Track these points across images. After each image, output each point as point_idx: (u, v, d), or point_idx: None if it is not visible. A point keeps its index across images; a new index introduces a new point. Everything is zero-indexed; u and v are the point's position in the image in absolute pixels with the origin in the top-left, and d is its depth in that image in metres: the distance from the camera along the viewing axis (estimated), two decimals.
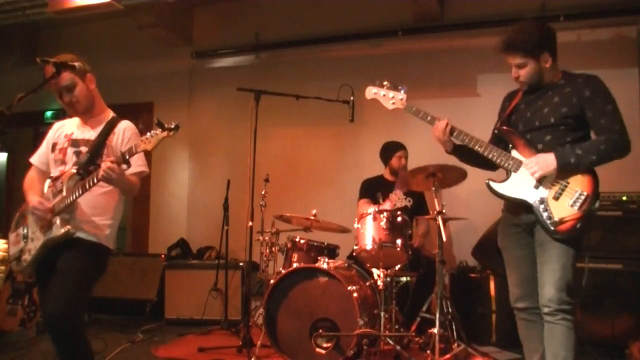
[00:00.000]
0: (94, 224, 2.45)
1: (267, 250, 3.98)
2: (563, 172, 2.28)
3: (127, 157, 2.26)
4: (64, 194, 2.37)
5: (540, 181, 2.32)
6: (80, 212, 2.42)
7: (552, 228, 2.25)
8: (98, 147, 2.48)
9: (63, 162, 2.51)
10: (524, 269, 2.43)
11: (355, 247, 3.53)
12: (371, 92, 2.69)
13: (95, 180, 2.27)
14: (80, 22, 5.95)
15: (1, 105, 2.20)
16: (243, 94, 3.82)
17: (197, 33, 5.85)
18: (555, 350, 2.26)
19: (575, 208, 2.24)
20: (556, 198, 2.29)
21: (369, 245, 3.39)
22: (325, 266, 3.35)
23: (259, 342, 3.51)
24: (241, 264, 4.74)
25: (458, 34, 4.82)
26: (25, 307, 4.20)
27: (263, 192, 4.08)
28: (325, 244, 3.82)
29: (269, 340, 3.35)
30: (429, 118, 2.54)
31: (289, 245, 3.81)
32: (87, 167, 2.39)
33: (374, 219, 3.45)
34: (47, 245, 2.39)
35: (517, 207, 2.43)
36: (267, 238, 3.99)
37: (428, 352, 3.22)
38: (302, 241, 3.77)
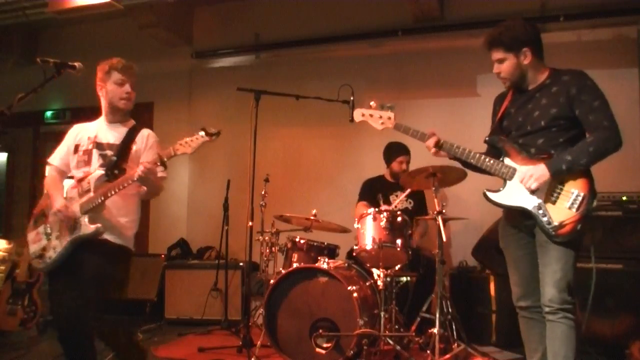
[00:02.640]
0: (119, 224, 2.57)
1: (267, 250, 3.98)
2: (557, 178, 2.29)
3: (165, 159, 2.37)
4: (92, 194, 2.45)
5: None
6: (107, 212, 2.51)
7: (553, 232, 2.25)
8: (123, 151, 2.59)
9: (87, 164, 2.59)
10: (525, 268, 2.44)
11: (355, 247, 3.53)
12: (359, 114, 2.70)
13: (131, 181, 2.39)
14: (80, 22, 5.95)
15: (1, 105, 2.21)
16: (243, 94, 3.82)
17: (197, 33, 5.85)
18: (556, 349, 2.26)
19: (574, 210, 2.24)
20: (553, 202, 2.28)
21: (369, 245, 3.39)
22: (325, 266, 3.34)
23: (259, 342, 3.51)
24: (241, 264, 4.73)
25: (458, 34, 4.82)
26: (25, 307, 4.20)
27: (263, 192, 4.09)
28: (325, 244, 3.82)
29: (269, 340, 3.35)
30: (419, 134, 2.55)
31: (289, 245, 3.81)
32: (114, 169, 2.51)
33: (374, 219, 3.45)
34: (75, 243, 2.46)
35: (515, 214, 2.43)
36: (267, 238, 4.00)
37: (428, 352, 3.22)
38: (302, 241, 3.77)
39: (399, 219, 3.46)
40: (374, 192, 4.22)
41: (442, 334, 3.16)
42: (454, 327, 3.42)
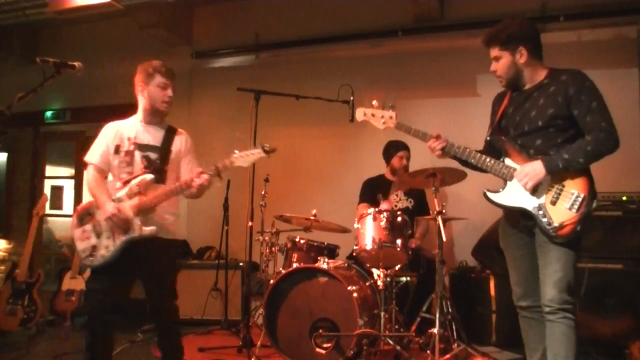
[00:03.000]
0: (167, 222, 2.68)
1: (267, 250, 3.98)
2: (554, 176, 2.28)
3: (222, 170, 2.54)
4: (145, 198, 2.55)
5: (536, 187, 2.31)
6: (156, 213, 2.61)
7: (553, 233, 2.25)
8: (166, 153, 2.70)
9: (130, 165, 2.65)
10: (524, 268, 2.44)
11: (355, 247, 3.53)
12: (361, 113, 2.72)
13: (185, 188, 2.56)
14: (80, 22, 5.94)
15: (1, 105, 2.21)
16: (243, 94, 3.82)
17: (197, 33, 5.85)
18: (556, 348, 2.26)
19: (574, 211, 2.24)
20: (553, 203, 2.28)
21: (369, 245, 3.39)
22: (325, 266, 3.34)
23: (259, 342, 3.51)
24: (241, 264, 4.73)
25: (458, 34, 4.81)
26: (25, 307, 4.21)
27: (263, 192, 4.09)
28: (325, 244, 3.82)
29: (269, 340, 3.35)
30: (420, 134, 2.55)
31: (289, 245, 3.81)
32: (159, 172, 2.62)
33: (374, 219, 3.45)
34: (128, 243, 2.54)
35: (515, 215, 2.43)
36: (267, 238, 4.00)
37: (428, 352, 3.22)
38: (302, 241, 3.77)
39: (399, 219, 3.46)
40: (374, 191, 4.22)
41: (442, 334, 3.15)
42: (454, 327, 3.42)
